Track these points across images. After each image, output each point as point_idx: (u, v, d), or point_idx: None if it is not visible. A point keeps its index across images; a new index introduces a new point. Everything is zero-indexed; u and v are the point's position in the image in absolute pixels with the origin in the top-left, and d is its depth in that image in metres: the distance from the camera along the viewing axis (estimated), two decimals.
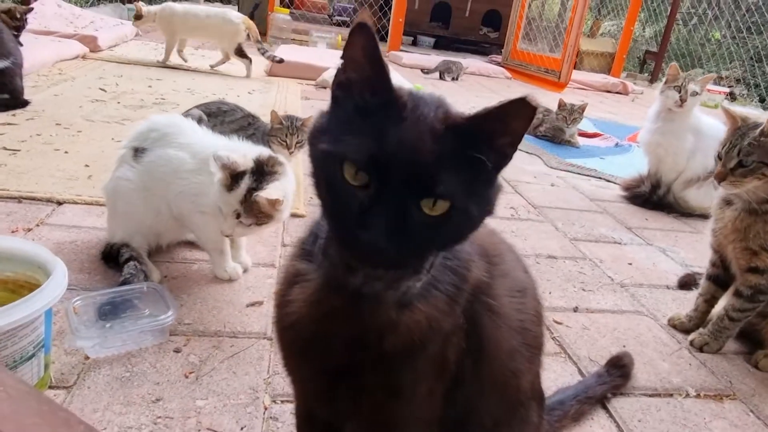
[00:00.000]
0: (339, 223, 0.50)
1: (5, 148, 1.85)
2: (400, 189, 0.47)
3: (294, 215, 1.67)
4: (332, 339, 0.57)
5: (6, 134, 1.99)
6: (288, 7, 6.00)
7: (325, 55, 4.57)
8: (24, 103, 2.31)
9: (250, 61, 3.70)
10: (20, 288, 0.93)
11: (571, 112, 3.12)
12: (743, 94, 7.08)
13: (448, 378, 0.60)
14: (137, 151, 1.22)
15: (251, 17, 6.16)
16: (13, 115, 2.21)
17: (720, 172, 1.17)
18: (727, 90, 6.36)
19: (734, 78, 7.40)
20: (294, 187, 1.25)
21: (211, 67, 3.80)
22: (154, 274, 1.24)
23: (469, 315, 0.60)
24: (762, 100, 6.78)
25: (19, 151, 1.85)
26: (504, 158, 0.51)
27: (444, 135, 0.48)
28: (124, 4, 6.16)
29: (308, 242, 0.60)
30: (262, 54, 3.81)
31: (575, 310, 1.40)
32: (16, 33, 2.71)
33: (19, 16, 2.81)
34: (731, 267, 1.27)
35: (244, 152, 1.17)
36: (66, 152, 1.90)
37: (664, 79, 2.21)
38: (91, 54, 3.68)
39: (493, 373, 0.64)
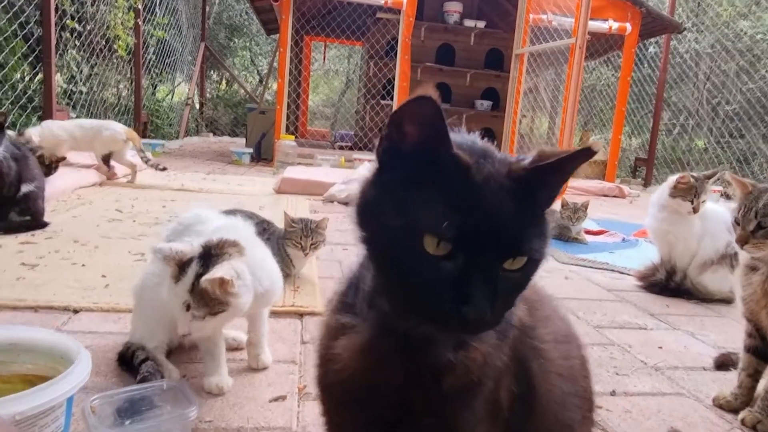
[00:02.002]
0: (425, 299, 0.48)
1: (23, 264, 1.87)
2: (490, 253, 0.47)
3: (312, 314, 1.65)
4: (387, 387, 0.54)
5: (25, 252, 2.02)
6: (293, 134, 6.36)
7: (331, 173, 4.76)
8: (44, 225, 2.37)
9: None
10: (40, 381, 0.90)
11: (575, 211, 3.18)
12: (735, 194, 7.25)
13: (502, 422, 0.56)
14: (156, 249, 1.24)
15: (259, 145, 6.53)
16: (33, 235, 2.26)
17: (741, 236, 1.17)
18: (721, 189, 6.53)
19: (724, 179, 7.63)
20: (266, 267, 1.18)
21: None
22: (173, 373, 1.20)
23: (517, 357, 0.58)
24: None
25: (37, 265, 1.86)
26: (554, 194, 0.52)
27: (513, 189, 0.49)
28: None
29: (349, 295, 0.59)
30: (145, 162, 3.92)
31: (613, 393, 1.33)
32: (47, 175, 2.89)
33: (48, 163, 3.00)
34: None
35: (191, 241, 1.11)
36: (83, 265, 1.91)
37: (672, 185, 2.18)
38: (108, 181, 3.84)
39: (546, 419, 0.60)
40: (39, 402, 0.74)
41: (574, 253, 2.93)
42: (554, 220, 3.26)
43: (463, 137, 0.53)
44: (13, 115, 4.43)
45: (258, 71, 12.84)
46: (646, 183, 7.66)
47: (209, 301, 1.04)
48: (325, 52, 10.02)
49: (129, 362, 1.18)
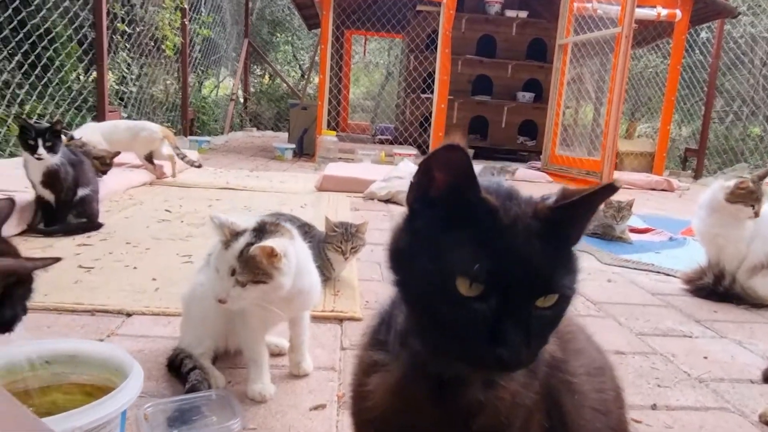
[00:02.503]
0: (460, 340, 0.49)
1: (81, 266, 1.97)
2: (521, 293, 0.48)
3: (352, 319, 1.69)
4: (418, 427, 0.56)
5: (82, 254, 2.13)
6: (334, 130, 6.42)
7: (371, 169, 4.80)
8: (98, 226, 2.49)
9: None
10: (97, 391, 0.96)
11: (619, 209, 3.11)
12: None
13: None
14: (210, 257, 1.29)
15: (301, 140, 6.63)
16: (89, 236, 2.38)
17: None
18: None
19: None
20: (307, 268, 1.23)
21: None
22: (219, 380, 1.25)
23: (548, 392, 0.59)
24: None
25: (92, 268, 1.97)
26: (581, 231, 0.54)
27: (541, 230, 0.50)
28: (186, 136, 6.75)
29: (381, 332, 0.61)
30: (182, 159, 4.16)
31: (653, 407, 1.31)
32: (103, 173, 3.09)
33: (108, 161, 3.17)
34: None
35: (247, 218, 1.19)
36: (135, 268, 2.01)
37: (730, 190, 2.10)
38: (157, 181, 3.99)
39: None
40: (96, 417, 0.79)
41: (617, 253, 2.87)
42: (597, 219, 3.20)
43: (489, 181, 0.55)
44: (69, 115, 4.65)
45: (300, 66, 12.99)
46: (697, 175, 7.38)
47: (254, 269, 1.09)
48: (365, 46, 10.04)
49: (178, 369, 1.24)
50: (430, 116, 6.22)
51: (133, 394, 0.86)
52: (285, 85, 11.54)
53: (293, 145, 6.51)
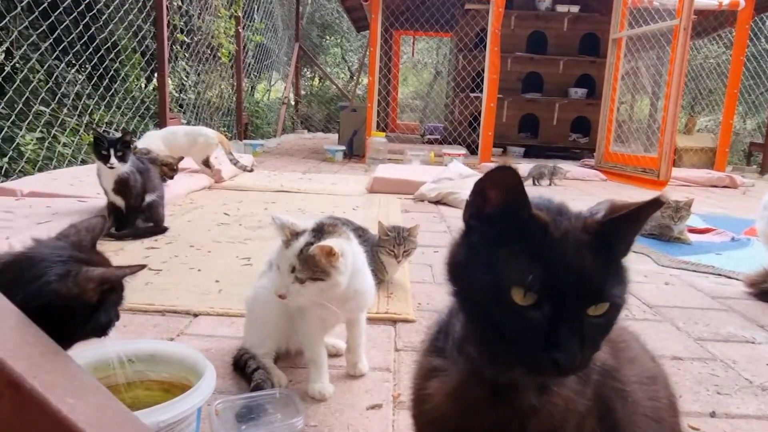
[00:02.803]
0: (517, 346, 0.53)
1: (150, 268, 2.10)
2: (573, 301, 0.52)
3: (405, 320, 1.74)
4: (475, 429, 0.60)
5: (151, 256, 2.27)
6: (383, 130, 6.49)
7: (420, 171, 4.83)
8: (164, 230, 2.64)
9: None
10: (173, 388, 1.05)
11: (677, 209, 3.02)
12: None
13: None
14: (272, 261, 1.37)
15: (351, 142, 6.73)
16: (156, 240, 2.53)
17: None
18: None
19: None
20: (363, 269, 1.29)
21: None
22: (282, 379, 1.32)
23: (600, 399, 0.61)
24: None
25: (161, 270, 2.09)
26: (629, 245, 0.57)
27: (590, 243, 0.54)
28: (241, 140, 6.98)
29: (439, 339, 0.65)
30: (234, 164, 4.30)
31: (712, 415, 1.30)
32: (170, 178, 3.31)
33: (175, 167, 3.37)
34: None
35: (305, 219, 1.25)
36: (199, 270, 2.12)
37: None
38: (216, 185, 4.16)
39: None
40: (177, 412, 0.87)
41: (675, 254, 2.80)
42: (654, 219, 3.12)
43: (540, 198, 0.58)
44: (134, 122, 4.90)
45: (349, 67, 13.15)
46: (763, 170, 7.03)
47: (313, 266, 1.16)
48: (413, 46, 10.07)
49: (242, 369, 1.32)
50: (479, 115, 6.18)
51: (207, 392, 0.93)
52: (334, 87, 11.72)
53: (343, 147, 6.62)
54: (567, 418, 0.58)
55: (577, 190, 5.09)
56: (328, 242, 1.15)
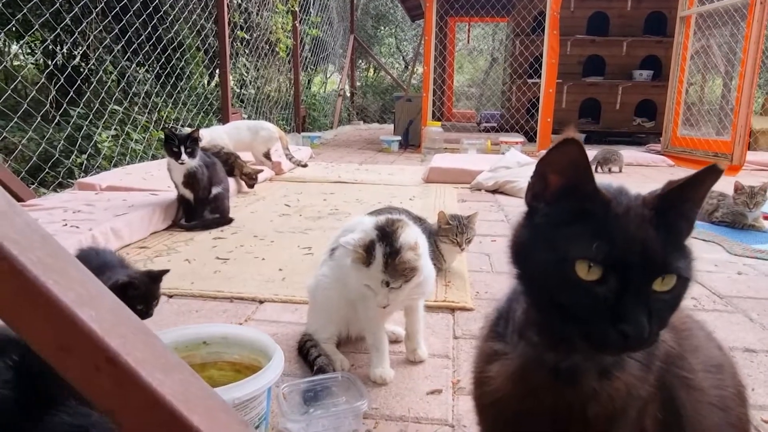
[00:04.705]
0: (584, 322, 0.53)
1: (218, 258, 2.21)
2: (638, 274, 0.52)
3: (463, 309, 1.75)
4: (536, 413, 0.61)
5: (218, 246, 2.38)
6: (439, 119, 6.46)
7: (477, 160, 4.79)
8: (229, 221, 2.76)
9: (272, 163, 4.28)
10: (245, 369, 1.11)
11: (752, 195, 2.86)
12: None
13: None
14: (333, 251, 1.41)
15: (407, 132, 6.74)
16: (222, 230, 2.64)
17: None
18: None
19: None
20: (425, 246, 1.30)
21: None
22: (344, 363, 1.37)
23: (664, 386, 0.61)
24: None
25: (228, 259, 2.19)
26: (691, 223, 0.57)
27: (651, 216, 0.54)
28: (299, 133, 7.13)
29: (500, 325, 0.67)
30: (290, 159, 4.42)
31: None
32: (250, 187, 3.62)
33: (255, 176, 3.64)
34: None
35: (362, 228, 1.26)
36: (263, 259, 2.21)
37: None
38: (276, 176, 4.29)
39: None
40: (250, 390, 0.93)
41: (749, 243, 2.66)
42: (726, 206, 2.98)
43: (600, 182, 0.59)
44: (199, 118, 5.11)
45: (403, 57, 13.13)
46: None
47: (402, 270, 1.21)
48: (469, 32, 9.93)
49: (306, 354, 1.38)
50: (537, 101, 6.05)
51: (277, 372, 0.99)
52: (389, 77, 11.74)
53: (399, 137, 6.64)
54: (629, 403, 0.58)
55: (641, 177, 4.90)
56: (408, 239, 1.19)
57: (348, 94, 10.61)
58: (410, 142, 6.76)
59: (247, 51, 6.04)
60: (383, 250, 1.20)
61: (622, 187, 0.59)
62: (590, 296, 0.52)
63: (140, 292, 1.26)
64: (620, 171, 5.02)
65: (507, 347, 0.63)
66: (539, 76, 6.10)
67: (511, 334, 0.63)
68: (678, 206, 0.56)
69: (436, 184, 4.11)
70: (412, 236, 1.21)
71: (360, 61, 11.89)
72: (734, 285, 2.09)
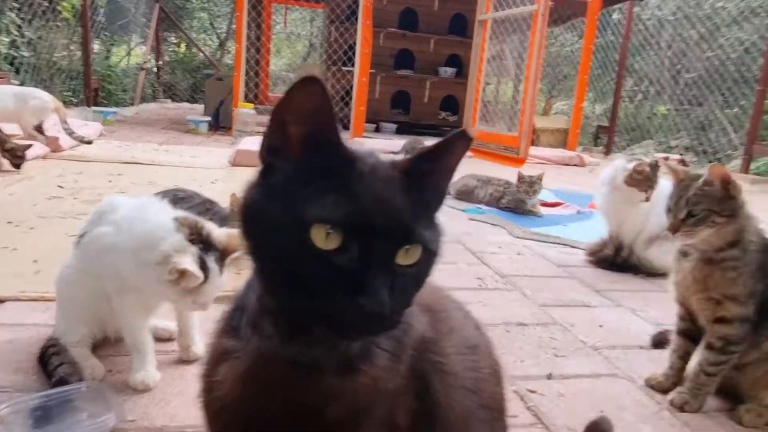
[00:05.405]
0: (318, 297, 0.45)
1: None
2: (382, 242, 0.45)
3: None
4: (271, 417, 0.51)
5: None
6: (252, 102, 6.19)
7: None
8: None
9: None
10: None
11: (531, 184, 3.19)
12: (693, 161, 7.42)
13: None
14: (81, 237, 1.18)
15: (217, 112, 6.35)
16: None
17: (672, 224, 1.17)
18: (679, 157, 6.66)
19: (683, 146, 7.80)
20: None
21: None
22: (97, 370, 1.15)
23: (417, 374, 0.56)
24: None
25: None
26: (442, 196, 0.53)
27: (399, 180, 0.48)
28: (89, 107, 6.27)
29: (235, 317, 0.56)
30: (69, 135, 3.85)
31: (549, 377, 1.34)
32: (16, 167, 3.05)
33: (21, 153, 3.07)
34: (699, 319, 1.25)
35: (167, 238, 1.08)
36: (15, 249, 1.83)
37: (628, 172, 2.16)
38: (53, 154, 3.67)
39: None
40: None
41: (528, 226, 2.95)
42: (511, 194, 3.27)
43: (349, 144, 0.51)
44: None
45: (217, 34, 12.39)
46: (608, 151, 7.75)
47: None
48: (286, 15, 9.71)
49: (46, 363, 1.13)
50: (352, 90, 6.11)
51: None
52: (202, 54, 11.00)
53: (208, 118, 6.21)
54: (376, 399, 0.51)
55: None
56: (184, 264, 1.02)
57: (154, 69, 9.68)
58: (221, 123, 6.37)
59: (16, 5, 5.09)
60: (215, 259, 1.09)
61: (373, 150, 0.52)
62: (327, 267, 0.45)
63: None
64: None
65: (240, 343, 0.52)
66: (353, 65, 6.17)
67: (244, 327, 0.52)
68: (429, 174, 0.51)
69: (243, 167, 3.88)
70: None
71: (168, 34, 10.91)
72: (513, 265, 2.27)
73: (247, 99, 5.97)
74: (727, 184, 1.13)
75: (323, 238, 0.44)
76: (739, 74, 6.90)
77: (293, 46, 12.41)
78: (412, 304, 0.50)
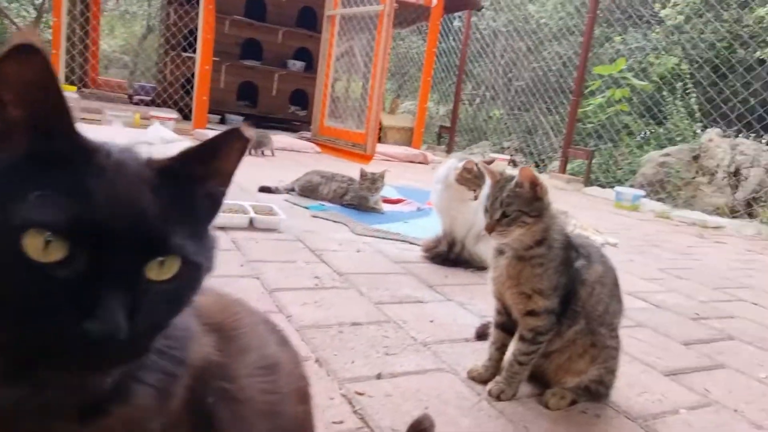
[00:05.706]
0: (34, 324, 0.36)
1: None
2: (122, 253, 0.37)
3: None
4: None
5: None
6: (75, 85, 5.53)
7: (119, 133, 4.25)
8: None
9: None
10: None
11: (374, 181, 3.24)
12: (522, 161, 8.17)
13: None
14: None
15: None
16: None
17: (488, 224, 1.23)
18: (509, 158, 7.29)
19: (514, 148, 8.57)
20: None
21: None
22: None
23: (197, 408, 0.48)
24: (537, 165, 7.88)
25: None
26: (217, 204, 0.46)
27: (155, 181, 0.41)
28: None
29: None
30: None
31: (378, 377, 1.34)
32: None
33: None
34: (513, 313, 1.33)
35: None
36: None
37: (459, 171, 2.27)
38: None
39: None
40: None
41: (370, 223, 2.99)
42: (353, 190, 3.29)
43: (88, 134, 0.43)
44: None
45: (34, 5, 10.90)
46: (449, 150, 8.23)
47: None
48: None
49: None
50: (193, 77, 5.74)
51: None
52: (14, 26, 9.60)
53: None
54: None
55: (294, 162, 5.14)
56: None
57: None
58: None
59: None
60: None
61: (130, 146, 0.44)
62: (46, 284, 0.36)
63: None
64: (273, 154, 5.15)
65: None
66: (194, 51, 5.80)
67: None
68: (198, 178, 0.44)
69: None
70: None
71: None
72: (351, 262, 2.27)
73: (69, 81, 5.33)
74: (535, 186, 1.22)
75: (40, 248, 0.35)
76: (558, 85, 7.74)
77: (129, 27, 11.37)
78: (167, 326, 0.42)
